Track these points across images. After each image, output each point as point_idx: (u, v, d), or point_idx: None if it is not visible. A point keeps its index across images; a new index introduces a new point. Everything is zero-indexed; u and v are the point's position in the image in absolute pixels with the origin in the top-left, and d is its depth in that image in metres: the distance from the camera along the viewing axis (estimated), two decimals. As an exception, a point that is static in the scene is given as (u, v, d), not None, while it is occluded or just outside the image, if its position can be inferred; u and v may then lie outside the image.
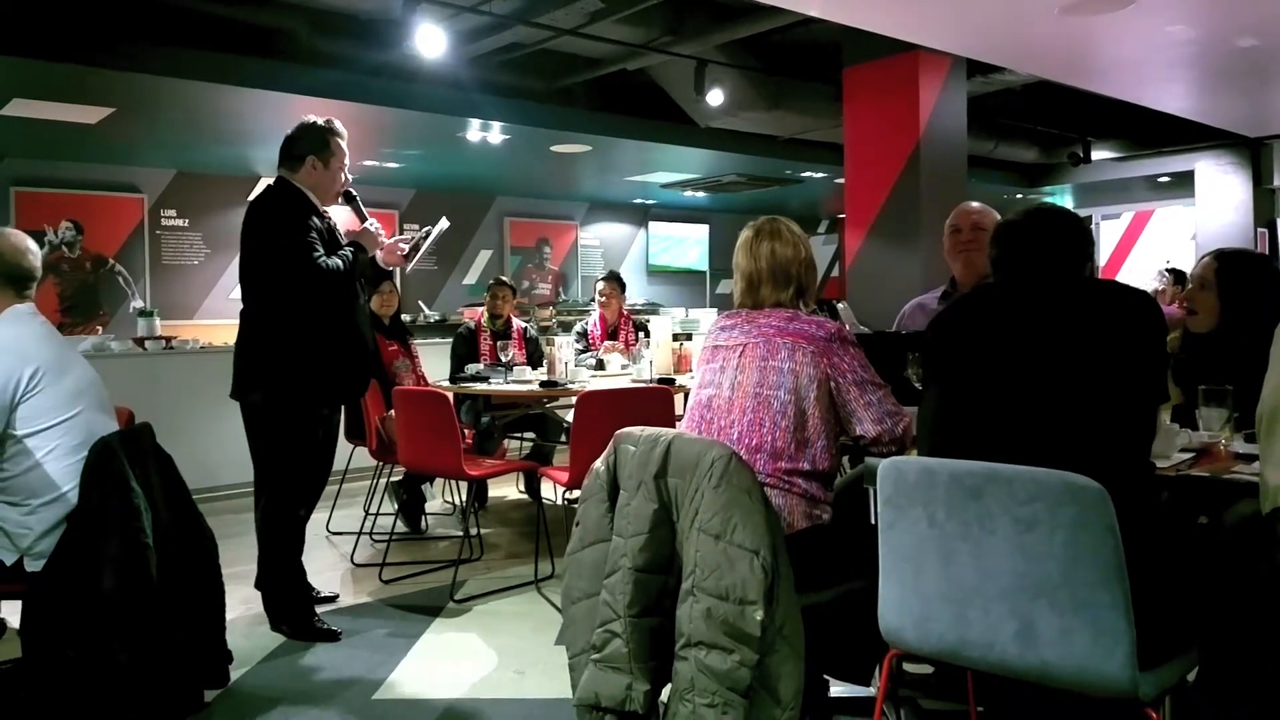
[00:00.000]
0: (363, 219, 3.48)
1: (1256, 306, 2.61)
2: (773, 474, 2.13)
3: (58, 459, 2.48)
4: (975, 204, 3.21)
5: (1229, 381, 2.28)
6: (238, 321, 3.36)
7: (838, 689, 2.62)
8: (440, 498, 5.66)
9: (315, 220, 3.28)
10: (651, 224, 12.15)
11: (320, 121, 3.38)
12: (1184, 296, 2.75)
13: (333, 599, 3.79)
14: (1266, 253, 10.13)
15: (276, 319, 3.26)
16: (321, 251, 3.23)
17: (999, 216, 3.10)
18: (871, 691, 2.62)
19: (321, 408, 3.38)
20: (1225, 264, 2.68)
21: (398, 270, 4.11)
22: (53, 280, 7.90)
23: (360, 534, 4.63)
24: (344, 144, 3.39)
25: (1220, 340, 2.63)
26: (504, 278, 5.72)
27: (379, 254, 3.49)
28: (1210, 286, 2.67)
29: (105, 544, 2.40)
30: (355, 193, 3.50)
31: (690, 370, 4.66)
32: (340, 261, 3.25)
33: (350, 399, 3.60)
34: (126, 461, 2.47)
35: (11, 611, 2.69)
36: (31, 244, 2.67)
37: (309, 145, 3.32)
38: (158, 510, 2.57)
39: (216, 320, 8.37)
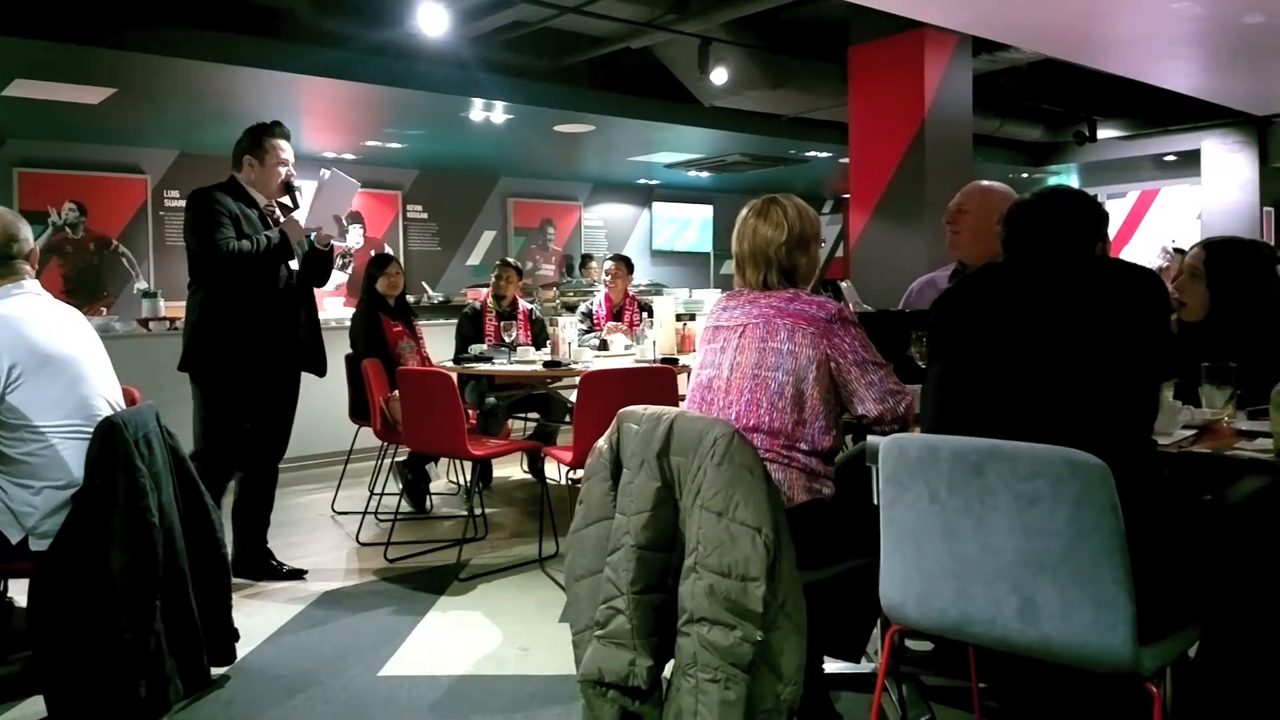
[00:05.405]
0: (288, 210, 3.72)
1: (1246, 295, 2.59)
2: (770, 449, 2.13)
3: (59, 443, 2.48)
4: (969, 185, 3.05)
5: None
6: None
7: (834, 666, 2.63)
8: (445, 478, 5.68)
9: (230, 206, 3.55)
10: (655, 204, 12.11)
11: (266, 122, 3.75)
12: (1175, 287, 2.69)
13: (302, 574, 3.85)
14: (1274, 231, 10.07)
15: (196, 296, 3.59)
16: (229, 235, 3.47)
17: (984, 186, 3.02)
18: (869, 668, 2.65)
19: (245, 376, 3.59)
20: (1214, 254, 2.64)
21: (400, 251, 4.32)
22: (56, 262, 7.91)
23: (365, 514, 4.65)
24: (282, 142, 3.72)
25: (1210, 330, 2.60)
26: (510, 259, 5.71)
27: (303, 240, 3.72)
28: (1200, 276, 2.63)
29: (111, 523, 2.41)
30: (294, 185, 3.77)
31: (693, 350, 4.66)
32: (250, 243, 3.50)
33: (271, 370, 3.70)
34: (132, 441, 2.48)
35: (18, 590, 2.71)
36: (22, 223, 2.63)
37: (245, 146, 3.72)
38: (163, 489, 2.58)
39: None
